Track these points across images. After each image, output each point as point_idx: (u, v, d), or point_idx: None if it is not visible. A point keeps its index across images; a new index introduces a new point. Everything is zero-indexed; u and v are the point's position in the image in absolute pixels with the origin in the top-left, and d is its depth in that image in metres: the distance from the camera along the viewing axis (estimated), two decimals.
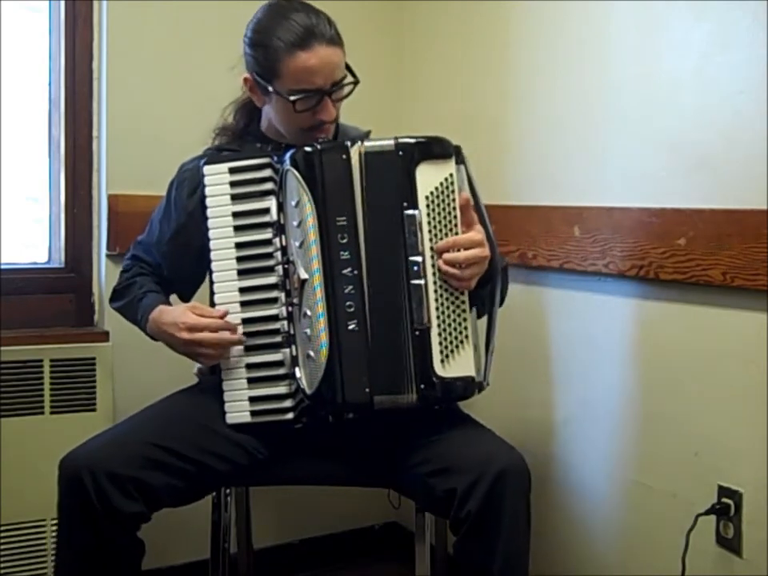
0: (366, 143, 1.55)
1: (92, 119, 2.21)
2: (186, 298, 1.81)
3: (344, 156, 1.54)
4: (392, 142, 1.54)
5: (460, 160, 1.55)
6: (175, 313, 1.63)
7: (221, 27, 2.26)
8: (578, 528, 2.00)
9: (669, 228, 1.73)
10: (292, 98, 1.60)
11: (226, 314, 1.59)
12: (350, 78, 1.64)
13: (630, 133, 1.85)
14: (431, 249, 1.52)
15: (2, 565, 2.02)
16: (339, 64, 1.62)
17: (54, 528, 1.96)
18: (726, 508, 1.66)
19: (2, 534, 2.02)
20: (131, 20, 2.18)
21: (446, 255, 1.51)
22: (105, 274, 2.21)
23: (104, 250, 2.20)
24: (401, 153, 1.53)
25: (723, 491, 1.67)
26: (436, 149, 1.54)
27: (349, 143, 1.55)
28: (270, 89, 1.63)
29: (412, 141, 1.54)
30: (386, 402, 1.53)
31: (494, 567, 1.44)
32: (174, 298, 1.80)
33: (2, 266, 2.14)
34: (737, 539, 1.65)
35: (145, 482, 1.49)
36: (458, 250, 1.51)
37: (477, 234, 1.54)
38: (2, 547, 2.02)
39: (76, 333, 2.17)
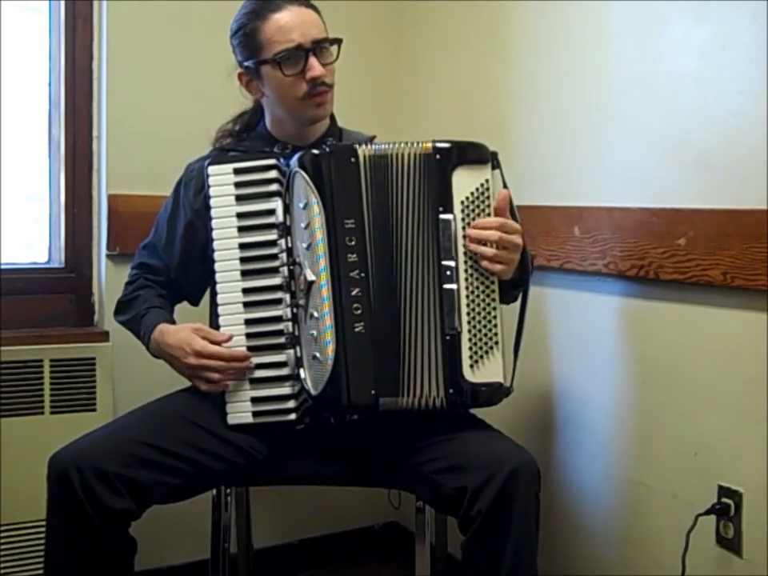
0: (404, 145, 1.55)
1: (92, 119, 2.21)
2: (194, 301, 1.82)
3: (352, 159, 1.54)
4: (429, 144, 1.54)
5: (496, 165, 1.57)
6: (180, 335, 1.63)
7: (221, 27, 2.25)
8: (578, 528, 2.00)
9: (669, 228, 1.73)
10: (277, 59, 1.63)
11: (231, 337, 1.59)
12: (329, 43, 1.68)
13: (630, 133, 1.85)
14: (464, 254, 1.53)
15: (2, 565, 2.02)
16: (314, 22, 1.67)
17: None
18: (726, 508, 1.66)
19: (2, 534, 2.03)
20: (131, 20, 2.18)
21: (471, 231, 1.52)
22: (105, 274, 2.21)
23: (104, 250, 2.20)
24: (438, 156, 1.53)
25: (723, 491, 1.67)
26: (473, 153, 1.55)
27: (357, 145, 1.56)
28: (259, 63, 1.66)
29: (449, 145, 1.54)
30: (391, 404, 1.53)
31: (503, 565, 1.44)
32: (180, 314, 1.80)
33: (2, 266, 2.14)
34: (737, 539, 1.65)
35: (132, 479, 1.49)
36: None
37: (515, 224, 1.56)
38: (2, 547, 2.02)
39: (76, 333, 2.17)
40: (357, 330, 1.52)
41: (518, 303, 1.67)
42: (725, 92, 1.65)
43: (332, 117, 1.80)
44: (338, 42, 1.69)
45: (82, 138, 2.21)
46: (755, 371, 1.61)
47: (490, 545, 1.46)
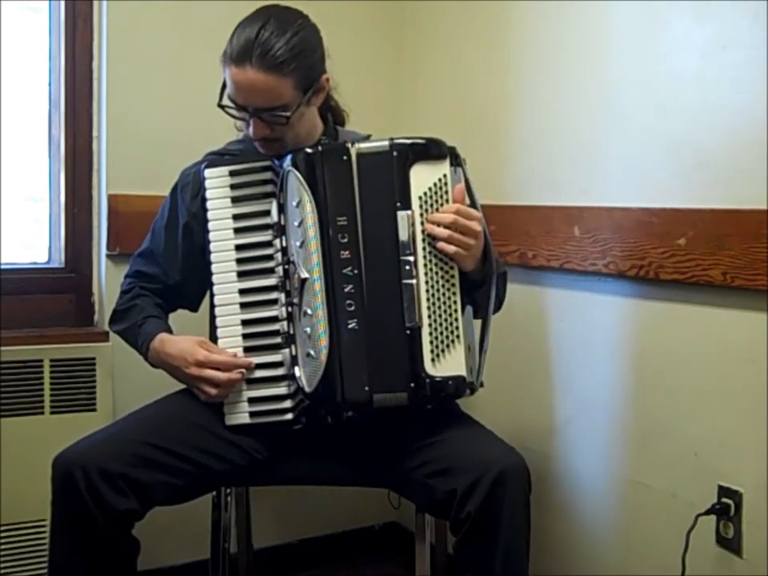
0: (362, 144, 1.57)
1: (92, 119, 2.21)
2: (193, 306, 1.81)
3: (344, 157, 1.55)
4: (387, 142, 1.55)
5: (456, 162, 1.57)
6: (181, 345, 1.62)
7: (221, 27, 2.24)
8: (578, 528, 2.00)
9: (669, 228, 1.73)
10: (222, 103, 1.61)
11: (235, 355, 1.59)
12: (279, 111, 1.57)
13: (630, 133, 1.85)
14: (423, 249, 1.53)
15: (2, 565, 2.02)
16: (266, 91, 1.55)
17: None
18: (726, 508, 1.66)
19: (2, 534, 2.02)
20: (131, 20, 2.18)
21: (430, 216, 1.52)
22: (105, 274, 2.21)
23: (104, 250, 2.20)
24: (395, 153, 1.54)
25: (723, 491, 1.67)
26: (430, 150, 1.55)
27: (349, 144, 1.57)
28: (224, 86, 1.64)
29: (407, 142, 1.55)
30: (385, 400, 1.53)
31: (494, 567, 1.45)
32: (178, 322, 1.79)
33: (2, 266, 2.13)
34: (737, 539, 1.65)
35: (137, 480, 1.49)
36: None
37: (474, 211, 1.55)
38: (2, 547, 2.02)
39: (76, 333, 2.17)
40: (350, 326, 1.53)
41: (491, 302, 1.63)
42: (725, 92, 1.65)
43: (326, 118, 1.79)
44: (286, 116, 1.57)
45: (82, 138, 2.21)
46: (755, 371, 1.61)
47: (480, 547, 1.46)
